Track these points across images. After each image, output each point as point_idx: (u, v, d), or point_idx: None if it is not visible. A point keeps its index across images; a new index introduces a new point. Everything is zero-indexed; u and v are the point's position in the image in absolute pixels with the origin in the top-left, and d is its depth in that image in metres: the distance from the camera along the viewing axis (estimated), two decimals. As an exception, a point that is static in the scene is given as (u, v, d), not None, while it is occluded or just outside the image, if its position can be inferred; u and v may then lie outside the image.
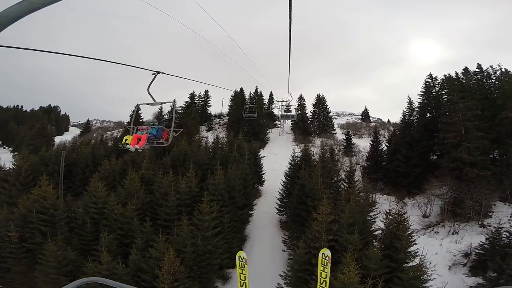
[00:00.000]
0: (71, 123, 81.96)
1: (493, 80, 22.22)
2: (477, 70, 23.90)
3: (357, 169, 33.66)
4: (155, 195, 17.43)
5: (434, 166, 24.65)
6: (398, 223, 12.21)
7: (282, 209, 21.06)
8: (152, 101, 7.22)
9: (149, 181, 19.24)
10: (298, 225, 15.99)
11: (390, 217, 13.15)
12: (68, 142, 46.59)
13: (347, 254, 10.30)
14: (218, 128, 46.73)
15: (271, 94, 49.63)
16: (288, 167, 21.81)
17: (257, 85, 47.65)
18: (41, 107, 73.04)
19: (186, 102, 47.14)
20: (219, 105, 58.23)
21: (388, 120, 60.43)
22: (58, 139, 56.33)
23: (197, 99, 49.79)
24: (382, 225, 19.80)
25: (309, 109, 46.40)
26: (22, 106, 72.02)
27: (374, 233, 13.96)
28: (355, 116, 68.54)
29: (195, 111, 43.94)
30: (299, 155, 21.72)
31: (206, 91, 50.33)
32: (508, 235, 14.80)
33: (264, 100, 48.12)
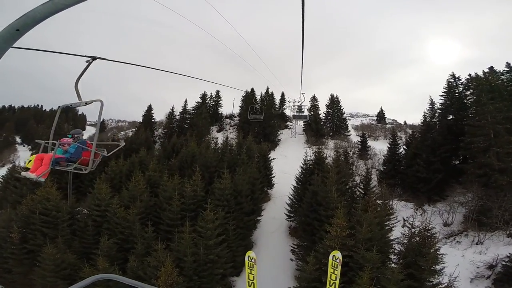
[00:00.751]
0: (88, 123, 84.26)
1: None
2: (506, 69, 21.87)
3: (373, 173, 32.27)
4: (160, 199, 16.81)
5: (457, 172, 22.81)
6: (423, 238, 10.82)
7: (292, 215, 19.98)
8: (77, 101, 4.80)
9: (155, 183, 18.69)
10: (308, 234, 14.89)
11: (412, 229, 11.81)
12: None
13: (363, 273, 9.18)
14: (229, 129, 46.12)
15: (282, 95, 48.63)
16: (300, 171, 20.67)
17: (268, 85, 46.73)
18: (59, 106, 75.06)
19: (198, 102, 46.94)
20: (231, 105, 57.72)
21: (405, 121, 57.82)
22: (75, 139, 57.72)
23: (208, 100, 49.52)
24: (400, 234, 18.70)
25: (322, 110, 45.00)
26: (42, 106, 74.27)
27: (392, 245, 12.66)
28: (370, 118, 66.24)
29: (206, 111, 43.56)
30: (311, 159, 20.54)
31: (218, 91, 49.95)
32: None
33: (276, 101, 47.10)
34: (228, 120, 48.82)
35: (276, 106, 45.43)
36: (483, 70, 23.29)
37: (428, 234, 10.90)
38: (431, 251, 10.28)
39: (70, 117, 72.68)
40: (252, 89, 44.50)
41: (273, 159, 35.11)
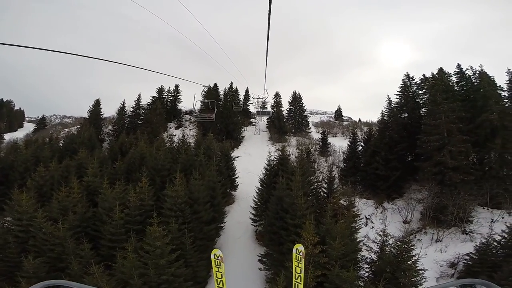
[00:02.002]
0: (27, 119, 73.59)
1: (473, 82, 21.49)
2: (457, 70, 23.15)
3: (334, 170, 32.63)
4: (99, 210, 14.11)
5: (413, 169, 23.77)
6: (402, 252, 10.12)
7: (258, 219, 18.66)
8: None
9: (95, 191, 15.81)
10: (276, 244, 13.64)
11: (384, 237, 11.20)
12: (20, 140, 40.64)
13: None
14: (189, 126, 43.19)
15: (247, 91, 47.05)
16: (264, 172, 19.34)
17: (232, 80, 44.72)
18: (-10, 101, 64.30)
19: (153, 97, 43.19)
20: (191, 101, 54.34)
21: (359, 119, 60.75)
22: (8, 136, 49.62)
23: (165, 94, 45.94)
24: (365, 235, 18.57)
25: (285, 107, 44.61)
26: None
27: (360, 252, 12.03)
28: (328, 115, 68.57)
29: (162, 106, 40.11)
30: (275, 158, 19.35)
31: (177, 86, 46.57)
32: (497, 245, 13.70)
33: (240, 97, 45.35)
34: (187, 116, 45.72)
35: (240, 102, 43.73)
36: (432, 73, 24.47)
37: (408, 247, 10.26)
38: (412, 265, 9.66)
39: (5, 113, 62.52)
40: (215, 84, 42.08)
41: (237, 157, 33.56)
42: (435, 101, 18.77)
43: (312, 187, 16.94)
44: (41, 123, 63.92)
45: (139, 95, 43.34)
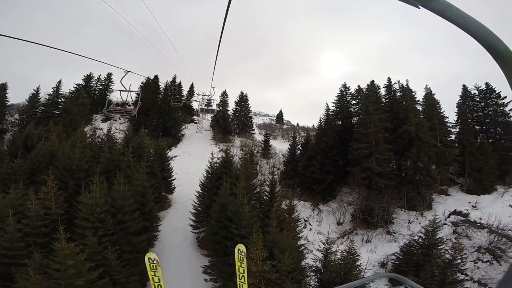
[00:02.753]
0: None
1: (397, 95, 24.34)
2: (387, 84, 25.90)
3: (275, 172, 33.23)
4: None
5: (345, 174, 25.67)
6: (348, 262, 10.24)
7: (199, 225, 17.19)
8: None
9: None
10: (220, 254, 12.53)
11: (328, 245, 11.22)
12: None
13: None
14: (120, 119, 38.44)
15: (191, 87, 44.34)
16: (205, 175, 17.96)
17: (176, 74, 41.65)
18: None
19: (78, 84, 37.20)
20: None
21: (297, 123, 64.04)
22: None
23: (94, 83, 40.20)
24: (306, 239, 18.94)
25: (231, 107, 43.66)
26: None
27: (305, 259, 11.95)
28: (270, 117, 70.46)
29: (88, 96, 34.78)
30: (218, 161, 18.21)
31: (109, 74, 41.29)
32: (417, 245, 15.41)
33: (183, 92, 42.45)
34: (119, 108, 40.64)
35: (183, 98, 40.95)
36: (367, 84, 26.95)
37: (354, 258, 10.43)
38: (358, 274, 9.82)
39: None
40: (156, 76, 38.46)
41: (174, 157, 31.15)
42: (367, 111, 20.51)
43: (255, 191, 16.44)
44: None
45: (60, 81, 36.92)
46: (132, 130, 20.52)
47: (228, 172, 15.57)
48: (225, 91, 43.07)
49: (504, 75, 1.07)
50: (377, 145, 20.26)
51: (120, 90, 22.04)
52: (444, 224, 19.58)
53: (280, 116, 67.13)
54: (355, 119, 29.70)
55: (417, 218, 21.00)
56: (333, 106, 31.48)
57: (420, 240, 15.45)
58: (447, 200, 22.55)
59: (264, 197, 17.18)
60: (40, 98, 35.49)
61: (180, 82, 40.77)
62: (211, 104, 36.75)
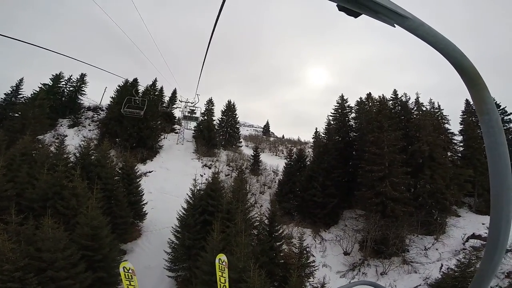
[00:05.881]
0: None
1: (410, 110, 21.78)
2: (393, 96, 23.36)
3: (265, 191, 29.49)
4: None
5: (349, 196, 22.56)
6: None
7: (176, 267, 12.96)
8: None
9: None
10: None
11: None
12: None
13: None
14: (90, 125, 33.53)
15: (174, 92, 40.24)
16: (185, 206, 13.79)
17: (157, 77, 37.47)
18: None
19: (45, 84, 32.36)
20: (100, 96, 43.44)
21: (283, 135, 61.24)
22: None
23: (64, 83, 35.33)
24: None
25: (217, 116, 39.76)
26: None
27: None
28: (254, 128, 67.32)
29: (54, 97, 29.98)
30: (203, 185, 14.20)
31: (83, 75, 36.68)
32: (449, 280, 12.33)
33: (165, 97, 38.21)
34: (90, 113, 35.80)
35: (164, 104, 36.74)
36: (379, 96, 24.16)
37: None
38: None
39: None
40: (135, 79, 34.19)
41: (149, 172, 26.69)
42: (381, 128, 17.56)
43: (251, 224, 12.65)
44: None
45: (21, 79, 31.82)
46: (92, 141, 16.04)
47: (217, 204, 11.64)
48: (211, 99, 39.31)
49: (468, 90, 1.11)
50: (391, 167, 17.27)
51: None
52: (464, 249, 17.39)
53: (267, 128, 64.19)
54: (354, 134, 27.28)
55: (432, 244, 18.40)
56: (332, 120, 28.83)
57: (450, 272, 12.66)
58: (459, 221, 20.20)
59: (264, 232, 13.36)
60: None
61: (162, 87, 36.66)
62: (195, 112, 33.07)
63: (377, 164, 17.15)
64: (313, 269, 13.95)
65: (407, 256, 17.34)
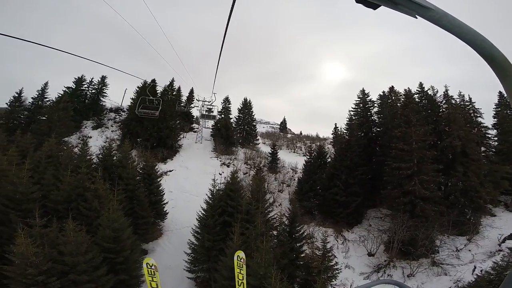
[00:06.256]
0: None
1: (438, 103, 20.29)
2: (419, 89, 21.89)
3: (283, 189, 28.92)
4: None
5: (373, 194, 21.55)
6: None
7: (196, 268, 12.87)
8: None
9: None
10: None
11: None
12: None
13: None
14: (112, 126, 34.53)
15: (191, 92, 40.54)
16: (204, 207, 13.58)
17: (174, 77, 37.94)
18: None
19: (68, 87, 33.67)
20: (121, 97, 44.81)
21: (301, 132, 59.94)
22: None
23: (86, 86, 36.57)
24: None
25: (234, 114, 39.63)
26: None
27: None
28: (271, 125, 66.63)
29: (74, 100, 30.98)
30: (221, 185, 13.94)
31: (103, 77, 37.71)
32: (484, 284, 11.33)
33: (183, 97, 38.61)
34: (112, 115, 36.88)
35: (182, 104, 37.12)
36: (404, 89, 22.76)
37: None
38: None
39: None
40: (154, 80, 34.67)
41: (169, 171, 27.01)
42: (408, 123, 16.42)
43: (272, 225, 12.27)
44: None
45: (46, 83, 33.18)
46: (111, 142, 16.30)
47: (236, 205, 11.34)
48: (228, 97, 39.20)
49: (500, 82, 1.07)
50: (421, 164, 16.15)
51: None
52: (500, 250, 16.29)
53: (283, 125, 63.27)
54: (377, 129, 26.02)
55: (465, 245, 17.22)
56: (354, 115, 27.69)
57: (485, 275, 11.63)
58: (495, 221, 18.78)
59: (284, 233, 12.90)
60: (23, 101, 31.76)
61: (179, 87, 37.02)
62: (212, 110, 33.15)
63: (405, 161, 16.09)
64: (337, 272, 13.36)
65: (437, 257, 16.37)
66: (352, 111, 28.17)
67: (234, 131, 37.22)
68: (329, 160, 25.40)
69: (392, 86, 27.63)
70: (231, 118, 37.76)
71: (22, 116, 30.44)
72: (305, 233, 15.49)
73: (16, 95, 31.39)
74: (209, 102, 33.02)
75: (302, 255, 13.14)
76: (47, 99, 32.00)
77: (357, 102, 28.04)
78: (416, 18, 1.06)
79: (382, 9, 1.04)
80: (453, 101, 19.88)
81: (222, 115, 36.43)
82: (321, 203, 21.56)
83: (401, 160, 16.24)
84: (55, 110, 23.62)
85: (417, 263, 16.20)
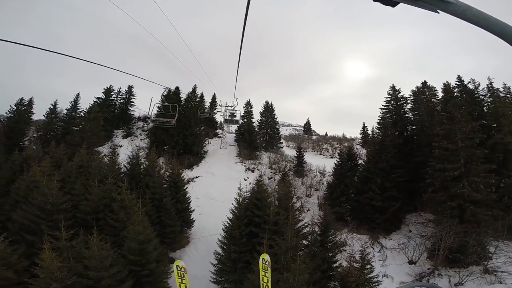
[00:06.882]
0: None
1: (483, 97, 18.15)
2: (457, 83, 19.79)
3: (312, 194, 27.63)
4: None
5: (410, 198, 19.75)
6: None
7: (222, 279, 12.36)
8: None
9: None
10: None
11: None
12: None
13: None
14: (141, 134, 35.59)
15: (213, 98, 40.84)
16: (230, 217, 12.99)
17: (196, 83, 38.31)
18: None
19: (98, 98, 35.26)
20: (148, 106, 46.40)
21: (326, 133, 57.77)
22: None
23: (115, 96, 38.10)
24: None
25: (256, 118, 39.14)
26: None
27: None
28: (294, 127, 65.10)
29: (104, 110, 32.23)
30: (246, 197, 13.26)
31: (130, 87, 39.05)
32: None
33: (206, 103, 38.92)
34: (140, 123, 38.07)
35: (206, 110, 37.35)
36: (443, 84, 20.74)
37: None
38: None
39: None
40: (177, 88, 35.14)
41: (196, 178, 27.02)
42: (452, 119, 14.68)
43: (306, 235, 11.38)
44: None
45: (78, 94, 35.05)
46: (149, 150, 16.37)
47: (263, 215, 10.63)
48: (249, 101, 38.81)
49: None
50: (469, 164, 14.32)
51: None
52: None
53: (308, 126, 61.54)
54: (412, 127, 24.04)
55: None
56: (385, 113, 25.94)
57: None
58: None
59: (316, 243, 11.91)
60: (58, 113, 33.81)
61: (202, 94, 37.35)
62: (235, 115, 32.88)
63: (451, 162, 14.37)
64: (376, 284, 12.09)
65: (491, 264, 14.48)
66: (384, 108, 26.44)
67: (257, 135, 36.69)
68: (360, 162, 23.90)
69: (425, 81, 25.55)
70: (254, 122, 37.32)
71: (57, 127, 32.41)
72: (339, 241, 14.40)
73: (52, 106, 33.64)
74: (231, 106, 32.89)
75: (334, 265, 12.12)
76: (79, 110, 33.87)
77: (388, 99, 26.28)
78: (438, 13, 1.06)
79: (401, 5, 1.05)
80: (499, 94, 17.65)
81: (245, 119, 36.09)
82: (354, 208, 20.13)
83: (446, 161, 14.52)
84: (86, 120, 24.62)
85: (466, 271, 14.42)
